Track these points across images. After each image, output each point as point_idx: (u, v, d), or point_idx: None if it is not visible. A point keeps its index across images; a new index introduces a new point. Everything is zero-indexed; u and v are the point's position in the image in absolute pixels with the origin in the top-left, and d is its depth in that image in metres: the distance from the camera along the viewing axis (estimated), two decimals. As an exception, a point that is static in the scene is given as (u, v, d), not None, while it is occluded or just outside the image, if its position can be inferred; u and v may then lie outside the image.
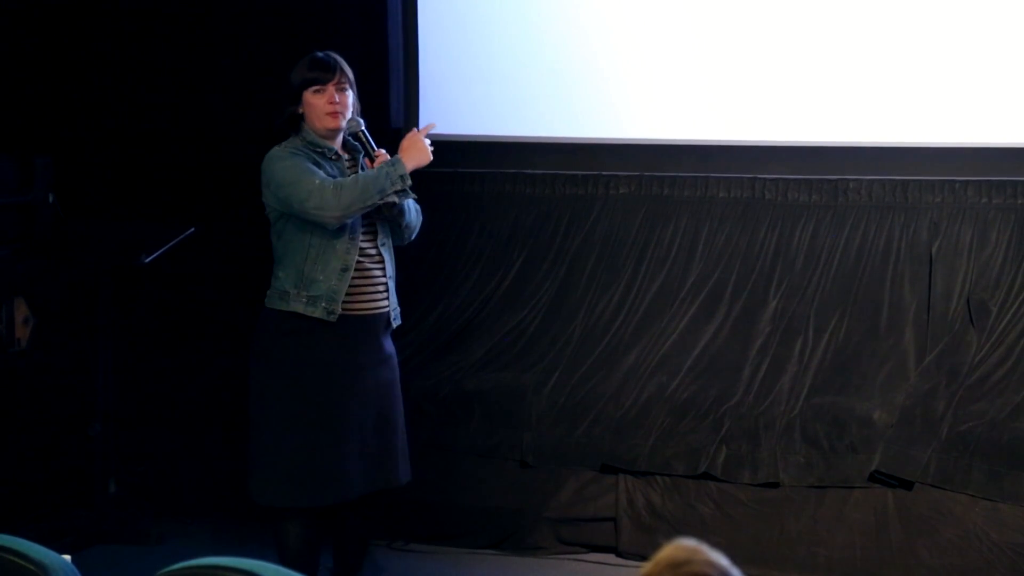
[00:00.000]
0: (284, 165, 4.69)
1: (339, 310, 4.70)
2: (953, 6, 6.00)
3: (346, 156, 4.84)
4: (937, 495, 5.33)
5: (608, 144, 6.50)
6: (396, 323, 4.90)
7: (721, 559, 2.07)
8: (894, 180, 6.12)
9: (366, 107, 4.97)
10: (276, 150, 4.77)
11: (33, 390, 6.07)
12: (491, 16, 6.57)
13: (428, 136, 4.89)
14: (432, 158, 4.81)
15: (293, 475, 4.70)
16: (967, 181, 6.02)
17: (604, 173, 6.50)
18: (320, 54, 4.80)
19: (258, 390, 4.78)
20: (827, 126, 6.18)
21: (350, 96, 4.78)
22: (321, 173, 4.68)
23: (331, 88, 4.73)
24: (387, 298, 4.83)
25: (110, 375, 6.05)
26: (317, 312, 4.69)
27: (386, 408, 4.85)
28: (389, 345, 4.88)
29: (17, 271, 6.01)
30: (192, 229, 6.03)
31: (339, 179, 4.67)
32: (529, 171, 6.60)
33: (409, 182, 4.72)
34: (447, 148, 6.57)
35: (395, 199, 4.70)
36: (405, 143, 4.79)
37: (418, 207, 4.97)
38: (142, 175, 6.75)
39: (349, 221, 4.69)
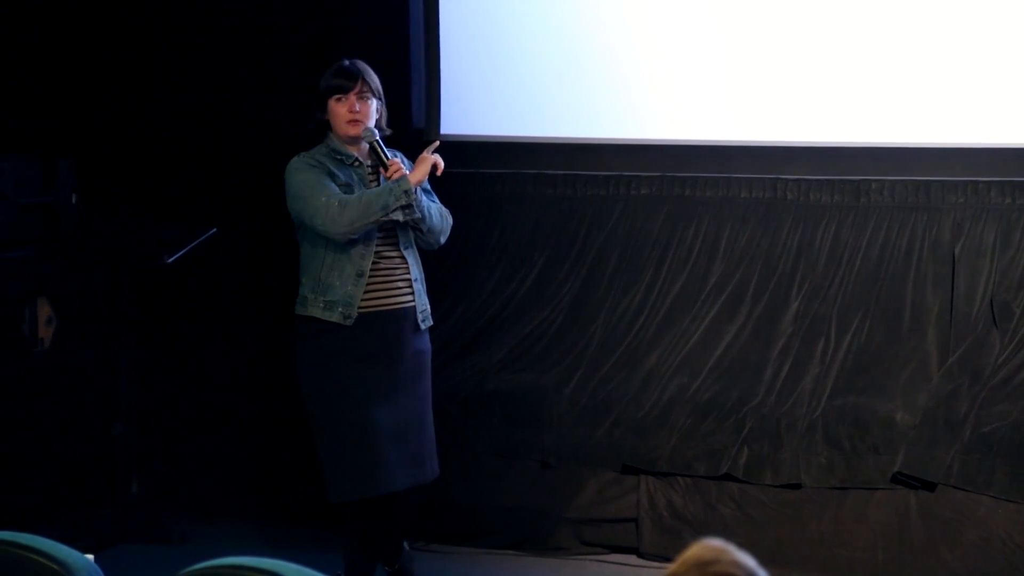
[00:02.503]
0: (298, 180, 4.81)
1: (355, 314, 4.79)
2: (975, 7, 5.98)
3: (368, 163, 4.89)
4: (960, 497, 5.32)
5: (629, 145, 6.49)
6: (426, 324, 4.95)
7: (748, 559, 2.06)
8: (916, 181, 6.09)
9: (388, 108, 4.99)
10: (296, 160, 4.85)
11: (56, 390, 6.09)
12: (512, 17, 6.57)
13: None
14: (439, 172, 4.90)
15: (345, 471, 4.82)
16: (990, 182, 5.99)
17: (625, 174, 6.49)
18: (346, 62, 4.89)
19: (303, 395, 4.91)
20: (849, 126, 6.16)
21: (372, 105, 4.85)
22: (332, 187, 4.77)
23: (352, 97, 4.82)
24: (411, 295, 4.88)
25: (132, 375, 6.07)
26: (334, 317, 4.78)
27: (417, 405, 4.92)
28: (420, 342, 4.95)
29: (40, 271, 6.03)
30: (214, 230, 6.05)
31: (344, 196, 4.75)
32: (550, 172, 6.59)
33: (414, 197, 4.78)
34: (468, 149, 6.60)
35: (399, 216, 4.76)
36: (420, 158, 4.89)
37: (445, 211, 5.01)
38: (164, 176, 6.77)
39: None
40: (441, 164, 4.92)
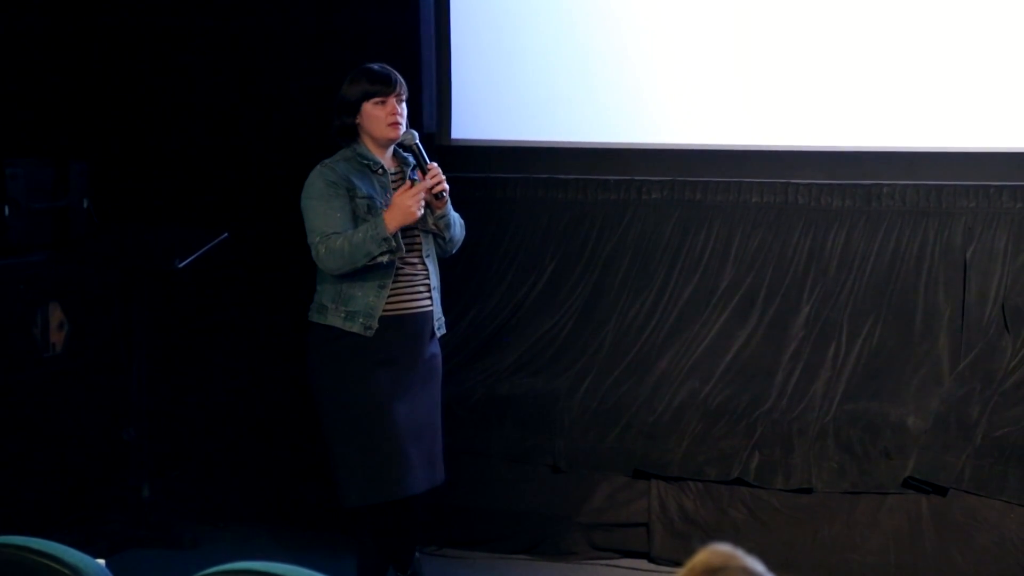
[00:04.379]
0: (307, 203, 4.82)
1: (376, 325, 4.79)
2: (987, 12, 5.97)
3: (392, 171, 4.89)
4: (972, 501, 5.31)
5: (640, 149, 6.49)
6: (441, 332, 4.96)
7: (757, 565, 2.06)
8: (928, 185, 6.09)
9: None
10: (315, 174, 4.84)
11: (67, 395, 6.11)
12: (523, 21, 6.58)
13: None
14: (419, 215, 4.74)
15: (363, 475, 4.83)
16: (1002, 186, 5.99)
17: (636, 178, 6.50)
18: (377, 67, 4.90)
19: (318, 401, 4.92)
20: (860, 131, 6.16)
21: (406, 108, 4.86)
22: (334, 217, 4.73)
23: (392, 99, 4.83)
24: (430, 301, 4.90)
25: (144, 380, 6.07)
26: (355, 327, 4.79)
27: (430, 407, 4.95)
28: (434, 346, 4.95)
29: (52, 276, 6.05)
30: (225, 234, 6.05)
31: (331, 240, 4.72)
32: (561, 176, 6.60)
33: (393, 244, 4.71)
34: (479, 153, 6.61)
35: (384, 260, 4.74)
36: (394, 199, 4.76)
37: (462, 222, 5.02)
38: (176, 180, 6.78)
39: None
40: (437, 190, 4.86)
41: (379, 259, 4.73)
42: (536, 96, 6.57)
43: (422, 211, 4.78)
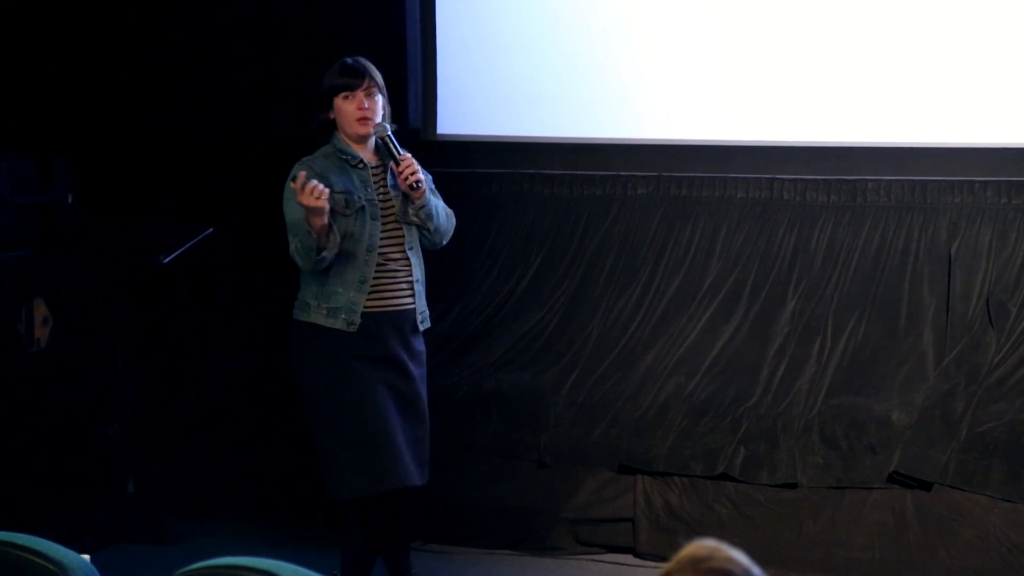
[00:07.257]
0: (284, 202, 4.83)
1: (358, 321, 4.80)
2: (972, 7, 5.98)
3: (373, 164, 4.88)
4: (956, 496, 5.32)
5: (626, 144, 6.49)
6: (424, 326, 4.96)
7: (742, 557, 2.08)
8: (913, 180, 6.10)
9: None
10: (293, 172, 4.81)
11: (52, 390, 6.09)
12: (508, 17, 6.57)
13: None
14: (322, 203, 4.60)
15: (354, 468, 4.82)
16: (986, 181, 6.00)
17: (622, 173, 6.50)
18: (350, 60, 4.88)
19: (305, 397, 4.92)
20: (846, 126, 6.17)
21: (379, 101, 4.85)
22: (301, 216, 4.72)
23: (360, 94, 4.81)
24: (412, 296, 4.89)
25: (128, 375, 6.06)
26: (337, 324, 4.80)
27: (417, 402, 4.95)
28: (418, 343, 4.94)
29: (36, 271, 6.03)
30: (210, 229, 6.05)
31: (298, 243, 4.70)
32: (547, 172, 6.60)
33: (312, 240, 4.66)
34: (464, 149, 6.61)
35: (329, 254, 4.72)
36: (307, 211, 4.67)
37: (450, 211, 5.01)
38: (161, 176, 6.77)
39: (367, 234, 4.79)
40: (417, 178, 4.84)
41: (327, 253, 4.71)
42: (522, 92, 6.57)
43: (327, 204, 4.62)
